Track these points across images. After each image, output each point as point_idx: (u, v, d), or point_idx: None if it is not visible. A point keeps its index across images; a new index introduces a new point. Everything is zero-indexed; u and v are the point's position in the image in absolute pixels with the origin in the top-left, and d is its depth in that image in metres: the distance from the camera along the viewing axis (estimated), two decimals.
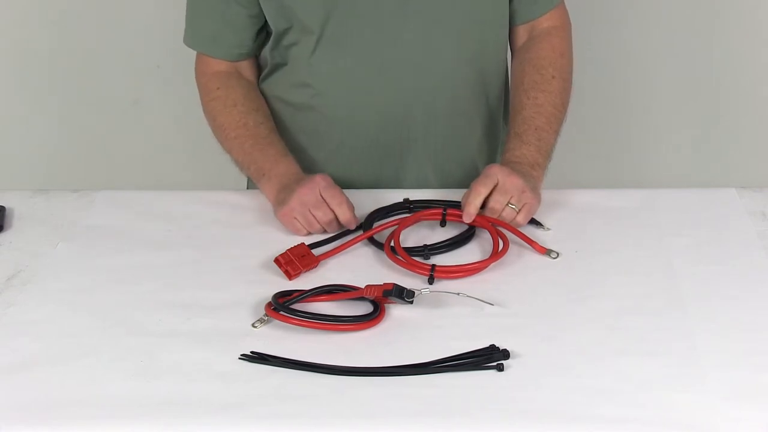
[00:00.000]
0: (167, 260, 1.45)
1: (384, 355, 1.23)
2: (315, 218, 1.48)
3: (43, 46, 2.46)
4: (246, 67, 1.70)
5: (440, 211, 1.51)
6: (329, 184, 1.50)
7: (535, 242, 1.45)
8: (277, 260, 1.42)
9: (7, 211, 1.58)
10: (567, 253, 1.44)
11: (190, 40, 1.69)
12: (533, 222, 1.50)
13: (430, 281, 1.38)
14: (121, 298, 1.37)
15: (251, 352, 1.24)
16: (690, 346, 1.23)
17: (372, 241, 1.48)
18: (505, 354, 1.22)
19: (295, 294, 1.33)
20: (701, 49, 2.42)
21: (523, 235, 1.46)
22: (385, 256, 1.43)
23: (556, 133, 1.61)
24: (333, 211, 1.48)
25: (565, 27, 1.69)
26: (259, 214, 1.56)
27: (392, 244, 1.43)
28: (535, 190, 1.50)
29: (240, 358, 1.23)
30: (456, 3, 1.58)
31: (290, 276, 1.40)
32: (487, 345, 1.23)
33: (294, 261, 1.41)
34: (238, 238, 1.50)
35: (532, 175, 1.53)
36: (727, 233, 1.48)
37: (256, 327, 1.30)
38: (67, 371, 1.22)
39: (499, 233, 1.45)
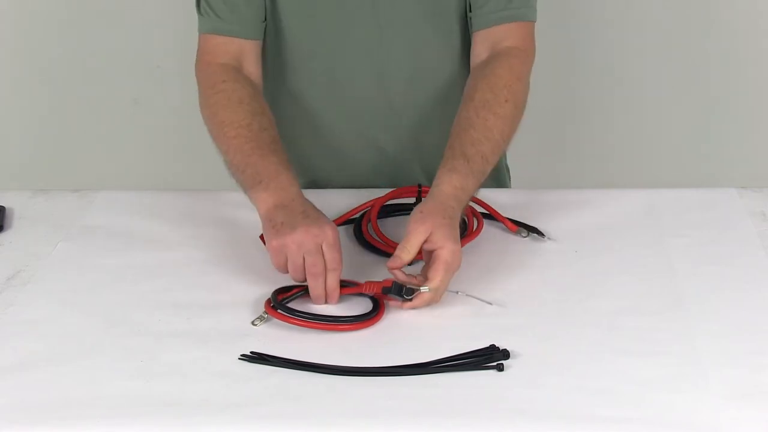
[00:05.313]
0: (167, 260, 1.45)
1: (384, 355, 1.23)
2: (304, 269, 1.34)
3: (42, 46, 2.46)
4: (252, 61, 1.63)
5: (415, 188, 1.55)
6: (334, 242, 1.34)
7: (507, 219, 1.49)
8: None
9: (7, 211, 1.58)
10: (567, 253, 1.44)
11: (205, 25, 1.62)
12: (534, 231, 1.48)
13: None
14: (121, 298, 1.37)
15: (251, 352, 1.24)
16: (690, 346, 1.23)
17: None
18: (505, 354, 1.22)
19: (295, 290, 1.33)
20: (701, 48, 2.42)
21: (495, 212, 1.51)
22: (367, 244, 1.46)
23: (492, 165, 1.49)
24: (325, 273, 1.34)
25: (527, 52, 1.60)
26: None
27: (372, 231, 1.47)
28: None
29: (240, 358, 1.23)
30: (411, 17, 1.58)
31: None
32: (487, 345, 1.23)
33: None
34: (239, 238, 1.50)
35: (463, 210, 1.43)
36: (727, 233, 1.48)
37: (255, 325, 1.30)
38: (67, 371, 1.22)
39: (473, 212, 1.49)
